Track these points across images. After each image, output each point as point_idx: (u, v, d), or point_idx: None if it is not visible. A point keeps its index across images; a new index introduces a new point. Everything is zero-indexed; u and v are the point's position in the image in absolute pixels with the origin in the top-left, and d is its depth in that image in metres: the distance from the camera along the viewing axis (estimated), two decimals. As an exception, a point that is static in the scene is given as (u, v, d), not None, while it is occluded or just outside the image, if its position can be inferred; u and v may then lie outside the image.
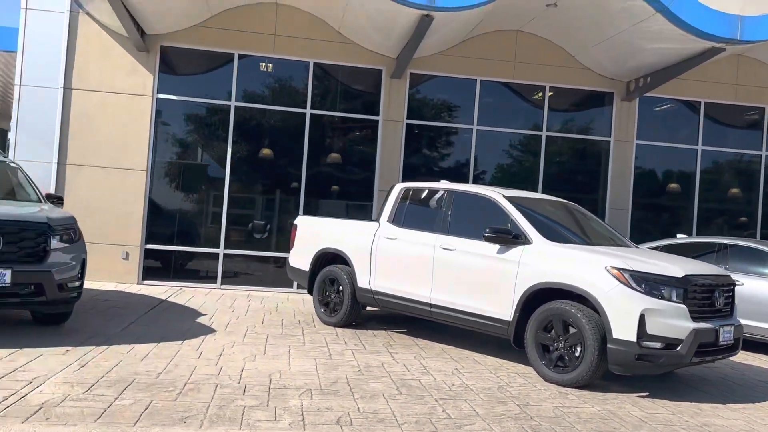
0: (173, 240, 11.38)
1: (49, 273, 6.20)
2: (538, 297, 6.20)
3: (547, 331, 6.09)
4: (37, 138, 10.97)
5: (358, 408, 4.79)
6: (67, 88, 11.00)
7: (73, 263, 6.53)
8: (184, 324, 7.69)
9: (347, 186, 11.97)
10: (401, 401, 5.05)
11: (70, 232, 6.62)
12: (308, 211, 11.42)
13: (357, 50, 11.62)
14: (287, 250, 11.47)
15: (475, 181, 11.88)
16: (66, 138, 11.00)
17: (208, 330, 7.42)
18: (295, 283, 11.33)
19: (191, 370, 5.54)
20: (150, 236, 11.19)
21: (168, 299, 9.56)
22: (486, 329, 6.64)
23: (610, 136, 12.34)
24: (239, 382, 5.28)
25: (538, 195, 7.78)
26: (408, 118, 11.84)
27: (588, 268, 5.94)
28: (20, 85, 11.01)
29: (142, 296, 9.68)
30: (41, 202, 7.40)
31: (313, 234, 8.76)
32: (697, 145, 12.61)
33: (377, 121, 11.79)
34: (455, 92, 12.10)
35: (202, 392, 4.93)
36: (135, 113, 11.11)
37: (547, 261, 6.18)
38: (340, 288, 8.17)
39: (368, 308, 8.60)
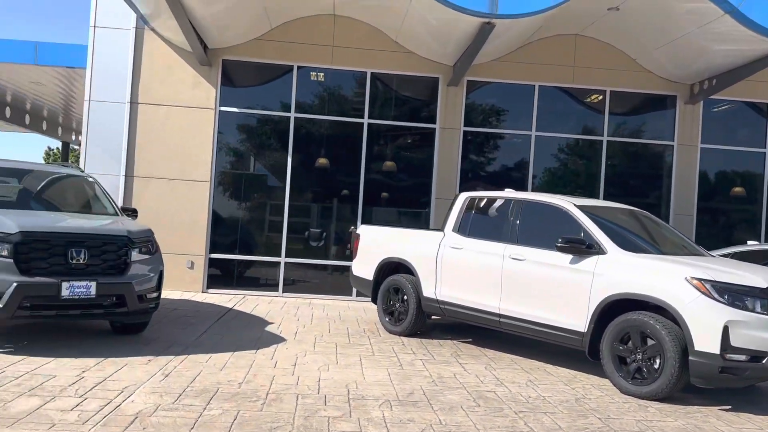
0: (235, 249, 11.62)
1: (130, 284, 6.42)
2: (613, 308, 6.11)
3: (623, 343, 6.00)
4: (105, 151, 11.35)
5: (440, 420, 4.80)
6: (134, 103, 11.36)
7: (152, 275, 6.73)
8: (254, 333, 7.84)
9: (404, 194, 12.01)
10: (481, 413, 5.04)
11: (149, 245, 6.83)
12: (366, 220, 11.51)
13: (414, 59, 11.67)
14: (346, 258, 11.64)
15: (534, 188, 11.78)
16: (133, 151, 11.35)
17: (278, 339, 7.55)
18: (354, 291, 11.43)
19: (270, 380, 5.65)
20: (213, 246, 11.45)
21: (234, 308, 9.76)
22: (558, 340, 6.57)
23: (673, 140, 12.06)
24: (318, 392, 5.35)
25: (609, 203, 7.67)
26: (465, 125, 11.81)
27: (667, 278, 5.82)
28: (89, 100, 11.43)
29: (209, 305, 9.90)
30: (118, 215, 7.66)
31: (376, 243, 8.83)
32: (765, 148, 12.23)
33: (434, 129, 11.80)
34: (513, 98, 12.02)
35: (285, 402, 5.02)
36: (198, 126, 11.39)
37: (623, 271, 6.08)
38: (405, 297, 8.21)
39: (432, 317, 8.60)
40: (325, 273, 11.81)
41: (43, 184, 7.80)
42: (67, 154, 25.45)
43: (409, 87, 12.00)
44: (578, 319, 6.29)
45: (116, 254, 6.43)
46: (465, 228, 7.69)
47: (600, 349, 6.14)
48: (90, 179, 8.15)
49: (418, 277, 8.01)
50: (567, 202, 6.88)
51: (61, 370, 5.49)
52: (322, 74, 11.81)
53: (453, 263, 7.59)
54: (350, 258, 11.57)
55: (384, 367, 6.42)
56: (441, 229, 8.07)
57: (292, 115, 11.63)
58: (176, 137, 11.35)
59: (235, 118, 11.70)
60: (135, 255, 6.58)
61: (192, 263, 11.24)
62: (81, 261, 6.16)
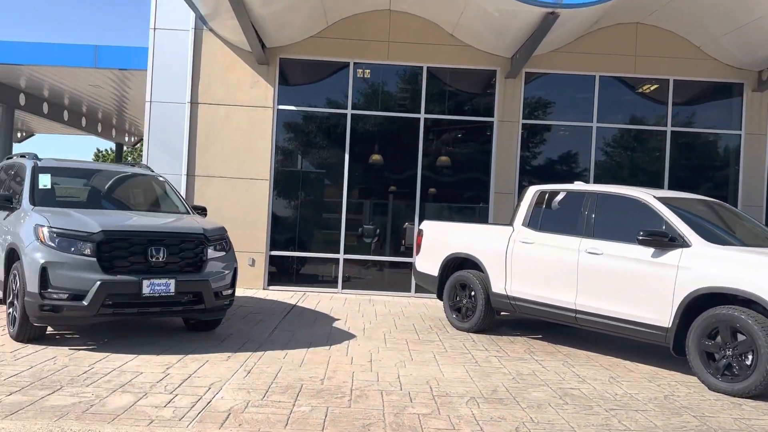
0: (294, 246, 11.69)
1: (207, 282, 6.48)
2: (699, 302, 5.91)
3: (711, 338, 5.79)
4: (166, 152, 11.54)
5: (531, 418, 4.71)
6: (194, 103, 11.51)
7: (226, 272, 6.79)
8: (323, 329, 7.85)
9: (461, 189, 11.90)
10: (571, 411, 4.93)
11: (223, 242, 6.90)
12: (424, 216, 11.44)
13: (470, 52, 11.53)
14: (402, 254, 11.62)
15: (595, 181, 11.52)
16: (194, 151, 11.51)
17: (348, 335, 7.54)
18: (413, 287, 11.39)
19: (351, 377, 5.63)
20: (273, 243, 11.54)
21: (298, 304, 9.80)
22: (639, 336, 6.39)
23: (740, 130, 11.66)
24: (401, 389, 5.31)
25: (687, 194, 7.43)
26: (524, 118, 11.64)
27: (758, 271, 5.60)
28: (150, 101, 11.62)
29: (272, 301, 9.98)
30: (189, 213, 7.76)
31: (440, 239, 8.75)
32: (839, 134, 11.72)
33: (492, 123, 11.66)
34: (572, 89, 11.79)
35: (371, 399, 4.99)
36: (257, 125, 11.48)
37: (709, 264, 5.87)
38: (473, 293, 8.11)
39: (501, 313, 8.49)
40: (382, 269, 11.79)
41: (114, 183, 7.96)
42: (120, 155, 26.04)
43: (465, 80, 11.87)
44: (661, 315, 6.10)
45: (193, 252, 6.50)
46: (536, 222, 7.55)
47: (686, 344, 5.95)
48: (160, 178, 8.28)
49: (487, 272, 7.90)
50: (646, 194, 6.68)
51: (145, 367, 5.58)
52: (368, 71, 11.77)
53: (524, 258, 7.47)
54: (406, 254, 11.57)
55: (460, 364, 6.34)
56: (510, 223, 7.94)
57: (349, 111, 11.62)
58: (235, 136, 11.47)
59: (293, 116, 11.76)
60: (211, 252, 6.65)
61: (253, 260, 11.34)
62: (160, 259, 6.24)
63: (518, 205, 7.91)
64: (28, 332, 6.12)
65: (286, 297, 10.55)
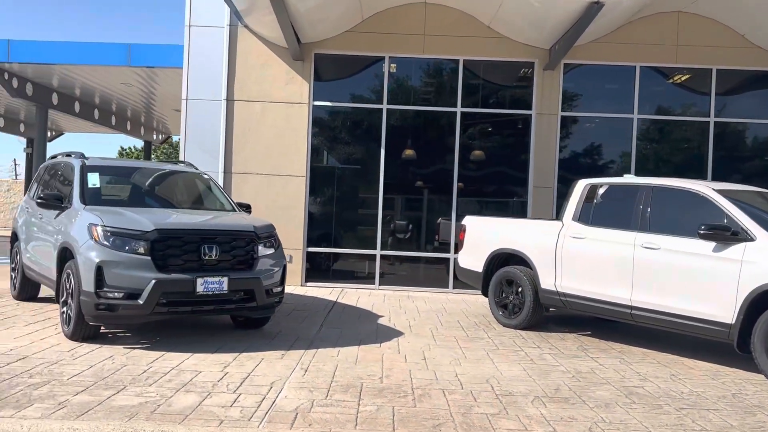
0: (331, 242, 11.65)
1: (259, 279, 6.44)
2: (765, 298, 5.74)
3: (778, 335, 5.63)
4: (203, 149, 11.54)
5: (602, 418, 4.60)
6: (230, 100, 11.50)
7: (276, 269, 6.75)
8: (369, 326, 7.79)
9: (499, 183, 11.77)
10: (641, 411, 4.81)
11: (272, 239, 6.85)
12: (461, 211, 11.34)
13: (507, 44, 11.38)
14: (439, 250, 11.52)
15: (638, 173, 11.30)
16: (230, 147, 11.50)
17: (395, 332, 7.47)
18: (451, 283, 11.30)
19: (408, 375, 5.56)
20: (310, 239, 11.50)
21: (338, 300, 9.76)
22: (701, 332, 6.24)
23: (786, 119, 11.38)
24: (462, 388, 5.23)
25: (747, 187, 7.23)
26: (562, 110, 11.46)
27: (829, 266, 5.42)
28: (187, 99, 11.62)
29: (313, 298, 9.94)
30: (235, 210, 7.73)
31: (485, 234, 8.64)
32: None
33: (530, 116, 11.50)
34: (612, 80, 11.59)
35: (434, 398, 4.91)
36: (293, 121, 11.43)
37: (776, 259, 5.70)
38: (520, 289, 8.00)
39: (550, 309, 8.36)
40: (419, 265, 11.71)
41: (159, 181, 7.96)
42: (149, 152, 26.22)
43: (502, 73, 11.71)
44: (724, 310, 5.95)
45: (244, 250, 6.47)
46: (587, 217, 7.41)
47: (751, 341, 5.79)
48: (204, 176, 8.26)
49: (535, 268, 7.78)
50: (706, 187, 6.51)
51: (203, 366, 5.55)
52: (394, 65, 11.65)
53: (575, 253, 7.33)
54: (442, 249, 11.48)
55: (515, 362, 6.24)
56: (559, 218, 7.81)
57: (384, 106, 11.53)
58: (271, 133, 11.44)
59: (328, 112, 11.71)
60: (261, 250, 6.61)
61: (290, 257, 11.29)
62: (213, 257, 6.22)
63: (567, 199, 7.76)
64: (83, 331, 6.13)
65: (325, 293, 10.51)
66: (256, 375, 5.35)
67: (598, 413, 4.70)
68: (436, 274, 11.59)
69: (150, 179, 7.92)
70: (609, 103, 11.62)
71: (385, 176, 11.49)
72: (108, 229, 6.01)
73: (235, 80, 11.51)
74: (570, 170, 11.44)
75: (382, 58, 11.53)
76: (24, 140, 25.19)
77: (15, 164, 68.48)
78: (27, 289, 8.34)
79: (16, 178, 53.07)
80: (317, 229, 11.60)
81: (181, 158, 11.63)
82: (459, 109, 11.50)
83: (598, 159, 11.66)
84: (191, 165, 8.44)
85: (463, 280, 9.19)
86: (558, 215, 7.92)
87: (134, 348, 6.08)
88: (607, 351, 6.93)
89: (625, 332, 7.99)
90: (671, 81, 11.54)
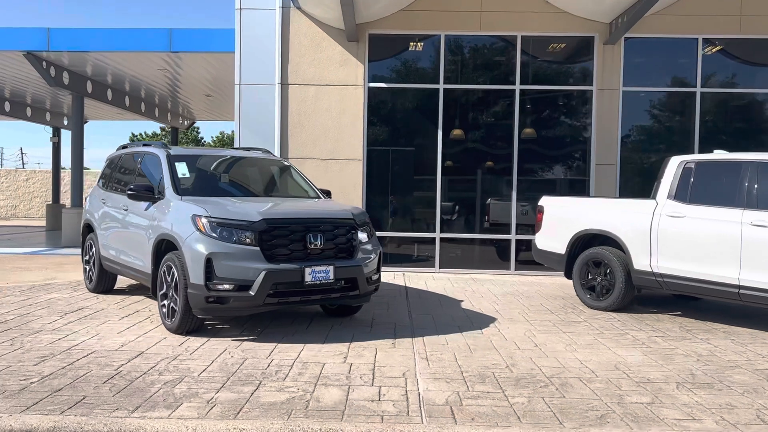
0: (389, 226, 11.49)
1: (361, 267, 6.30)
2: None
3: None
4: (257, 134, 11.36)
5: (762, 405, 4.45)
6: (284, 84, 11.29)
7: (373, 256, 6.60)
8: (455, 311, 7.66)
9: (561, 161, 11.56)
10: (794, 395, 4.67)
11: (368, 226, 6.69)
12: (522, 190, 11.18)
13: (566, 19, 11.11)
14: (500, 231, 11.35)
15: (701, 149, 11.07)
16: (286, 132, 11.32)
17: (487, 318, 7.33)
18: (513, 265, 11.16)
19: (533, 363, 5.43)
20: (369, 223, 11.34)
21: (407, 285, 9.63)
22: (820, 311, 6.07)
23: None
24: (597, 376, 5.09)
25: None
26: (624, 85, 11.21)
27: None
28: (240, 84, 11.41)
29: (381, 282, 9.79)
30: (319, 197, 7.56)
31: (566, 215, 8.46)
32: None
33: (590, 92, 11.26)
34: (674, 53, 11.30)
35: (577, 388, 4.77)
36: (348, 104, 11.22)
37: None
38: (608, 270, 7.83)
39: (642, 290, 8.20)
40: (478, 247, 11.55)
41: (243, 169, 7.80)
42: (176, 138, 26.00)
43: (561, 49, 11.45)
44: None
45: (345, 237, 6.31)
46: (684, 195, 7.21)
47: None
48: (285, 162, 8.09)
49: (627, 249, 7.61)
50: (823, 162, 6.31)
51: (322, 357, 5.43)
52: (421, 43, 11.40)
53: (674, 233, 7.15)
54: (503, 231, 11.31)
55: (629, 346, 6.10)
56: (652, 197, 7.62)
57: (441, 86, 11.30)
58: (327, 116, 11.24)
59: (384, 94, 11.48)
60: (360, 237, 6.46)
61: (351, 242, 11.15)
62: (318, 246, 6.07)
63: (660, 177, 7.56)
64: (188, 324, 6.01)
65: (389, 278, 10.37)
66: (381, 366, 5.22)
67: (754, 399, 4.56)
68: (494, 255, 11.45)
69: (234, 167, 7.76)
70: (672, 77, 11.35)
71: (442, 158, 11.31)
72: (214, 219, 5.86)
73: (289, 63, 11.29)
74: (633, 147, 11.26)
75: (438, 37, 11.29)
76: (50, 129, 24.92)
77: (22, 153, 68.32)
78: (104, 282, 8.23)
79: (23, 167, 53.02)
80: (374, 213, 11.43)
81: (236, 144, 11.46)
82: (518, 86, 11.27)
83: (661, 134, 11.42)
84: (268, 152, 8.26)
85: (542, 263, 9.02)
86: (652, 194, 7.72)
87: (242, 340, 5.96)
88: (713, 332, 6.77)
89: (716, 312, 7.84)
90: (736, 53, 11.25)
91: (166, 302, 6.22)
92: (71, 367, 5.01)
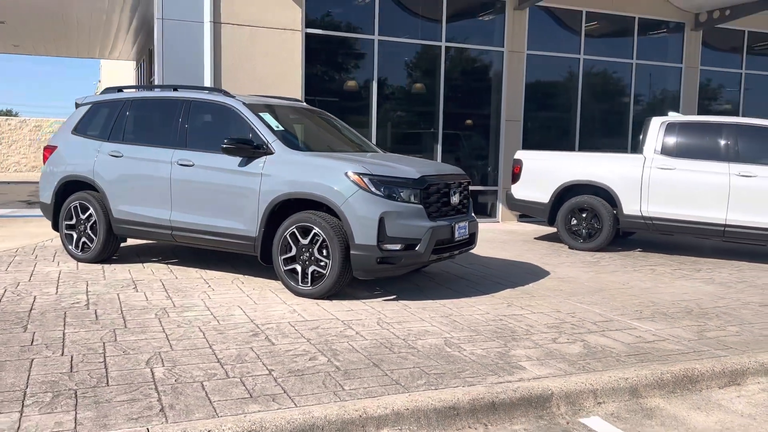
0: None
1: (476, 222, 6.48)
2: None
3: None
4: (184, 77, 10.10)
5: None
6: (216, 23, 10.17)
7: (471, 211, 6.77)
8: (484, 260, 8.11)
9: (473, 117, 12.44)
10: None
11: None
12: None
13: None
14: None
15: (582, 111, 12.87)
16: (219, 77, 10.26)
17: (518, 263, 7.90)
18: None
19: (635, 296, 6.23)
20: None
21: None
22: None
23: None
24: (691, 305, 6.07)
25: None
26: (528, 48, 12.45)
27: None
28: (162, 18, 9.99)
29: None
30: (377, 151, 7.30)
31: (548, 168, 9.35)
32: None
33: (502, 53, 12.25)
34: (564, 23, 12.83)
35: (696, 315, 5.72)
36: (285, 49, 10.58)
37: None
38: (593, 216, 8.98)
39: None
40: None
41: (307, 120, 7.20)
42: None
43: (481, 11, 12.18)
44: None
45: (466, 194, 6.39)
46: (671, 150, 8.58)
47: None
48: (332, 116, 7.62)
49: (618, 196, 8.80)
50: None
51: (502, 309, 5.51)
52: None
53: (664, 182, 8.49)
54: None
55: (677, 279, 7.22)
56: (639, 151, 8.87)
57: (376, 37, 11.27)
58: (265, 62, 10.46)
59: (321, 41, 11.02)
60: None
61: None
62: (456, 203, 6.08)
63: (645, 135, 8.85)
64: (333, 289, 5.56)
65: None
66: (538, 313, 5.50)
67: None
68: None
69: (323, 120, 7.37)
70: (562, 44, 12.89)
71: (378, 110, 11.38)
72: (377, 177, 5.46)
73: (221, 1, 10.17)
74: (536, 106, 12.63)
75: (373, -13, 11.16)
76: None
77: None
78: (109, 248, 6.92)
79: None
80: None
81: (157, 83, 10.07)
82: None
83: (556, 95, 13.00)
84: (299, 101, 7.60)
85: (519, 212, 9.86)
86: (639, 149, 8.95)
87: (387, 300, 5.72)
88: (721, 266, 8.15)
89: (662, 247, 9.58)
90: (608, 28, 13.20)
91: (297, 267, 5.63)
92: (272, 348, 4.38)
